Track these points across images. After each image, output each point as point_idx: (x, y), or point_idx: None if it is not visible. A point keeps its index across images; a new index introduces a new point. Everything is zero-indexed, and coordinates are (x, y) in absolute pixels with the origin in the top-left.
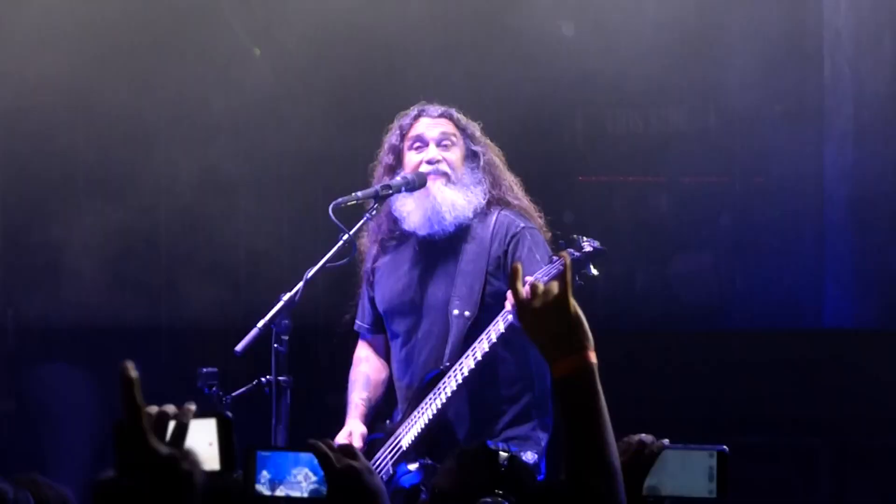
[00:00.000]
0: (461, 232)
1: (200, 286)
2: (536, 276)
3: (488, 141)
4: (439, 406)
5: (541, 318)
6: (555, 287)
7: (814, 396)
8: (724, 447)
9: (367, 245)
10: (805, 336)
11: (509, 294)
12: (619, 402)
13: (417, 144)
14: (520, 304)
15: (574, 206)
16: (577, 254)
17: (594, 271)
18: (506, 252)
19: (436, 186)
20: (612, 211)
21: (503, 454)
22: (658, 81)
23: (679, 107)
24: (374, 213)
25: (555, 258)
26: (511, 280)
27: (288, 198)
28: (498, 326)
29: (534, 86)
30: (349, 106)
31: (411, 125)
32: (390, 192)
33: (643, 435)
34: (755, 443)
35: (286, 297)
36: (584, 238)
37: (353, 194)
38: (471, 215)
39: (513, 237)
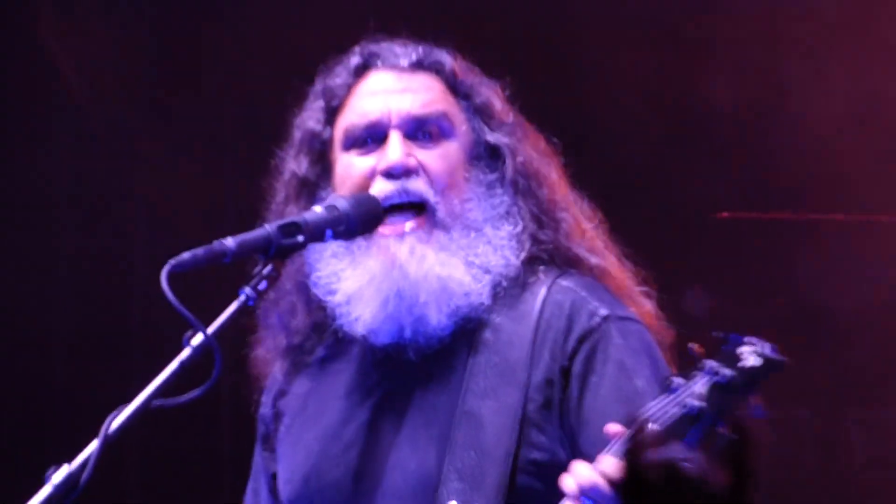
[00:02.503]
0: (466, 330)
1: None
2: (652, 414)
3: (522, 122)
4: None
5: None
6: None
7: None
8: None
9: (263, 360)
10: None
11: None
12: None
13: (363, 135)
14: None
15: (702, 270)
16: (728, 373)
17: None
18: (565, 371)
19: (405, 244)
20: (775, 273)
21: None
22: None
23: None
24: (258, 287)
25: (678, 382)
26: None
27: None
28: None
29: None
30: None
31: (350, 90)
32: (299, 240)
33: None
34: None
35: (57, 477)
36: (750, 341)
37: (219, 243)
38: (487, 298)
39: (583, 338)
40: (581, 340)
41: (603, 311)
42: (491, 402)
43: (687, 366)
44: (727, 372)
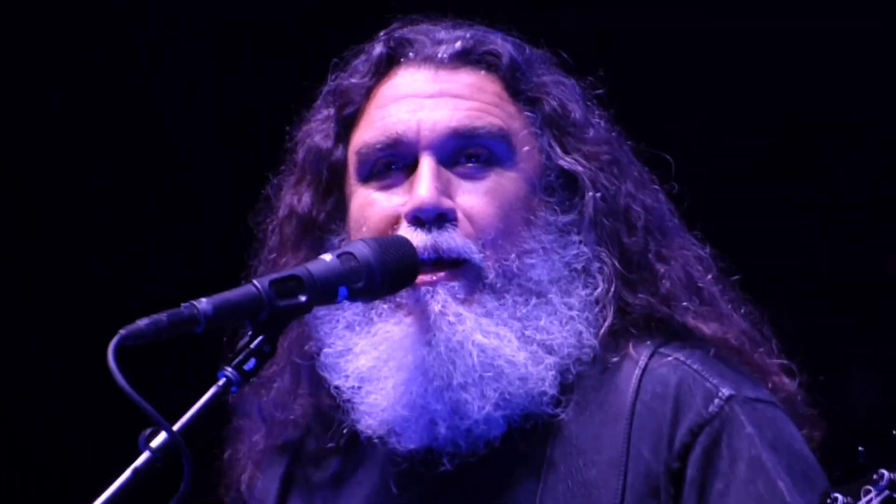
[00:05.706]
0: (526, 432)
1: None
2: None
3: (614, 138)
4: None
5: None
6: None
7: None
8: None
9: (234, 464)
10: None
11: None
12: None
13: (383, 158)
14: None
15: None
16: None
17: None
18: (675, 474)
19: (436, 300)
20: None
21: None
22: None
23: None
24: (244, 366)
25: (841, 501)
26: None
27: None
28: None
29: None
30: None
31: (370, 93)
32: (300, 301)
33: None
34: None
35: None
36: None
37: (189, 306)
38: (550, 387)
39: (698, 428)
40: (696, 432)
41: (725, 391)
42: None
43: (851, 476)
44: None
